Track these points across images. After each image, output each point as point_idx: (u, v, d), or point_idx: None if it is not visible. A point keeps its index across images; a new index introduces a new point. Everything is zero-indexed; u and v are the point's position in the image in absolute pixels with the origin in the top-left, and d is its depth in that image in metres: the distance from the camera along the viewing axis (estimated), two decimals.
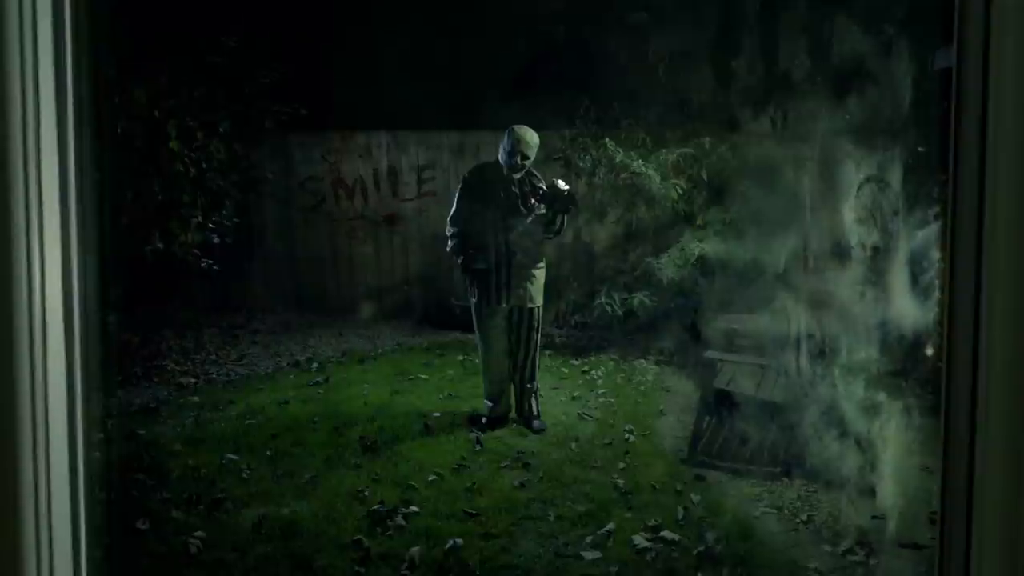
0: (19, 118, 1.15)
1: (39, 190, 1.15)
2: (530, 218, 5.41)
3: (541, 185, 5.46)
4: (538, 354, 5.65)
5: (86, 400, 1.20)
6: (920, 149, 5.34)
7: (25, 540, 1.18)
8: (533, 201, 5.39)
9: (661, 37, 7.48)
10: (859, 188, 5.22)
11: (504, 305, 5.47)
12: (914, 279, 4.49)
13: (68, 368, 1.18)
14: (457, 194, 5.51)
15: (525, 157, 5.36)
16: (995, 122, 1.15)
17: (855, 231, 5.23)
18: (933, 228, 4.67)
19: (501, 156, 5.42)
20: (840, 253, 5.31)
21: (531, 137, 5.38)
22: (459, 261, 5.50)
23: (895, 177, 5.14)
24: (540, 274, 5.56)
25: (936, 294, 4.30)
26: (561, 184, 5.40)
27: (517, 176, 5.40)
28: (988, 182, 1.16)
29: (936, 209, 4.82)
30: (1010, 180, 1.14)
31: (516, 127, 5.40)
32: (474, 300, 5.54)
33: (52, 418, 1.17)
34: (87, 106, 1.21)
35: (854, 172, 5.19)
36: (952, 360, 1.24)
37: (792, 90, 6.66)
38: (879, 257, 5.02)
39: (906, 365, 4.91)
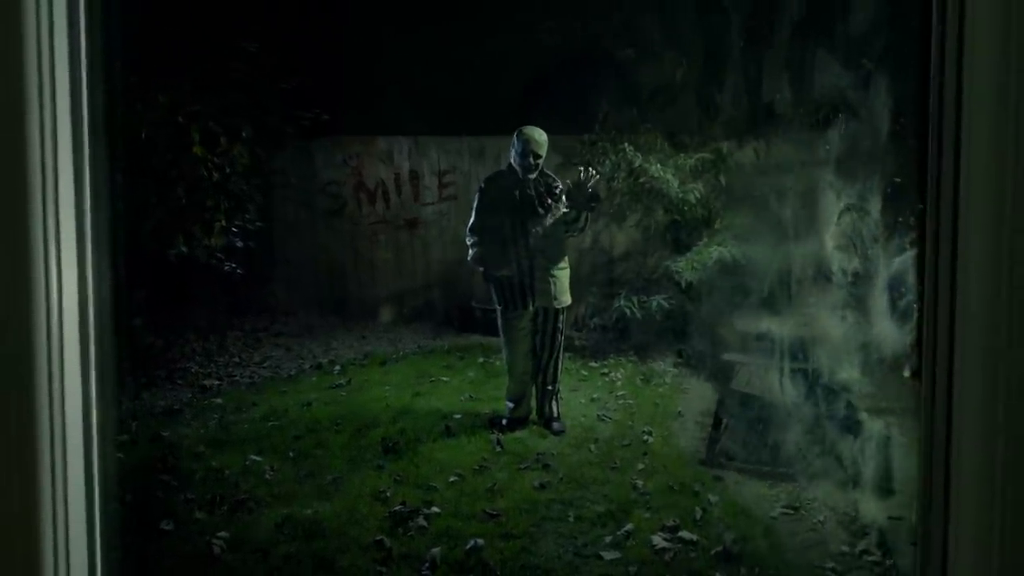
0: (37, 127, 1.18)
1: (56, 199, 1.19)
2: (549, 217, 5.41)
3: (556, 184, 5.45)
4: (562, 355, 5.66)
5: (101, 407, 1.23)
6: (897, 180, 5.42)
7: (43, 543, 1.21)
8: (550, 201, 5.39)
9: (648, 73, 7.66)
10: (839, 216, 5.34)
11: (530, 308, 5.50)
12: (893, 303, 4.56)
13: (83, 375, 1.21)
14: (475, 204, 5.54)
15: (537, 156, 5.38)
16: (968, 153, 1.18)
17: (836, 257, 5.36)
18: (910, 254, 4.74)
19: (513, 159, 5.44)
20: (822, 278, 5.42)
21: (540, 136, 5.40)
22: (481, 271, 5.54)
23: (874, 206, 5.24)
24: (564, 274, 5.56)
25: (914, 317, 4.35)
26: (584, 179, 5.35)
27: (532, 177, 5.42)
28: (961, 210, 1.20)
29: (912, 236, 4.88)
30: (984, 209, 1.18)
31: (524, 128, 5.43)
32: (500, 307, 5.56)
33: (69, 424, 1.20)
34: (101, 114, 1.24)
35: (835, 201, 5.32)
36: (930, 377, 1.30)
37: (775, 122, 6.80)
38: (859, 282, 5.13)
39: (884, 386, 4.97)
